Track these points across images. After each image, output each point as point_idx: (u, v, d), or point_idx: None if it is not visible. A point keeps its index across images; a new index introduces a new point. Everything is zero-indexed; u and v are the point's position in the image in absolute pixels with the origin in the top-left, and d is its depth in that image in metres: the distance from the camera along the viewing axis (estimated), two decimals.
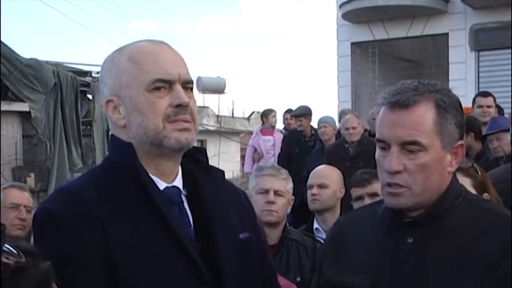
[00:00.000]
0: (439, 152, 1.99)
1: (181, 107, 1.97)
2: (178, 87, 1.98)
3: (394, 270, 2.00)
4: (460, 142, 2.05)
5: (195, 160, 2.14)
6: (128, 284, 1.85)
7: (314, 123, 9.98)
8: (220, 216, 2.08)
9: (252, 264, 2.14)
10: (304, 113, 9.83)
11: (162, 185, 2.02)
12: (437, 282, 1.94)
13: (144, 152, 1.99)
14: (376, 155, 2.07)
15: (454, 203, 2.05)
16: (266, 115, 11.43)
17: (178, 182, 2.08)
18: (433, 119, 1.97)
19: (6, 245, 1.37)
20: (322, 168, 4.93)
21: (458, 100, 2.08)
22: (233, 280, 2.01)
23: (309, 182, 4.70)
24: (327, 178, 4.63)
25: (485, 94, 7.51)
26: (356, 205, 4.22)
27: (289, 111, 11.28)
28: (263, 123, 11.59)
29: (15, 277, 1.37)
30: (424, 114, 1.97)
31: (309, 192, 4.65)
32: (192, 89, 2.06)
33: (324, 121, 9.06)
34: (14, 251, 1.40)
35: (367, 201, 4.07)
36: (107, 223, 1.86)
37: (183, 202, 2.06)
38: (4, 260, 1.33)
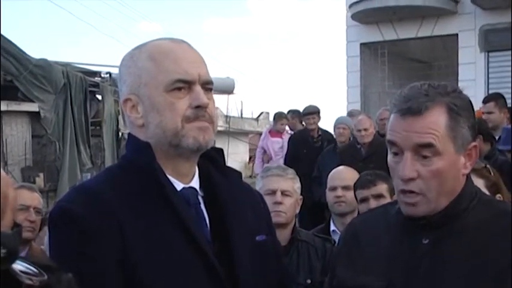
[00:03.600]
0: (452, 156, 1.96)
1: (200, 108, 1.95)
2: (198, 88, 1.96)
3: (409, 272, 1.99)
4: (474, 144, 2.02)
5: (212, 160, 2.12)
6: (145, 286, 1.83)
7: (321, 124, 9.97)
8: (237, 218, 2.06)
9: (268, 267, 2.12)
10: (316, 110, 9.77)
11: (179, 185, 2.01)
12: (453, 284, 1.92)
13: (161, 152, 1.98)
14: (389, 160, 2.04)
15: (470, 204, 2.03)
16: (275, 119, 11.31)
17: (195, 183, 2.06)
18: (446, 124, 1.94)
19: (24, 264, 1.35)
20: (344, 169, 4.85)
21: (470, 101, 2.05)
22: (249, 283, 2.00)
23: (332, 183, 4.62)
24: (351, 180, 4.52)
25: (485, 100, 7.35)
26: (361, 207, 4.19)
27: (292, 112, 11.22)
28: (273, 124, 11.51)
29: None
30: (437, 120, 1.94)
31: (331, 194, 4.58)
32: (211, 90, 2.04)
33: (343, 122, 8.96)
34: (34, 269, 1.38)
35: (372, 202, 4.05)
36: (124, 223, 1.85)
37: (199, 203, 2.05)
38: (28, 281, 1.31)
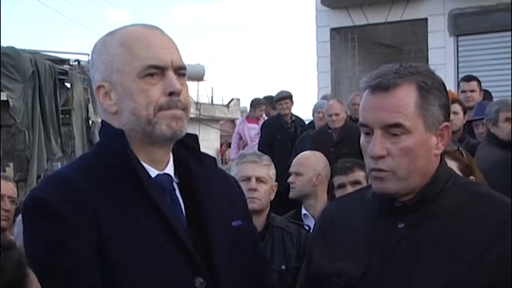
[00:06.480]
0: (423, 135, 1.97)
1: (173, 95, 1.93)
2: (170, 74, 1.94)
3: (386, 256, 1.99)
4: (445, 123, 2.03)
5: (186, 147, 2.10)
6: (120, 273, 1.81)
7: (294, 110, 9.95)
8: (212, 204, 2.05)
9: (244, 252, 2.12)
10: (289, 95, 9.70)
11: (153, 172, 1.99)
12: (429, 268, 1.93)
13: (135, 139, 1.95)
14: (361, 140, 2.05)
15: (444, 187, 2.04)
16: (254, 106, 11.19)
17: (170, 169, 2.05)
18: (415, 101, 1.96)
19: None
20: (299, 155, 4.91)
21: (442, 82, 2.06)
22: (226, 269, 1.99)
23: (290, 169, 4.72)
24: (301, 165, 4.64)
25: (468, 79, 7.41)
26: (338, 193, 4.23)
27: (266, 98, 11.16)
28: (251, 111, 11.42)
29: None
30: (406, 96, 1.96)
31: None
32: (184, 75, 2.02)
33: (322, 107, 8.90)
34: None
35: (350, 189, 4.08)
36: (99, 210, 1.83)
37: (174, 189, 2.03)
38: None
